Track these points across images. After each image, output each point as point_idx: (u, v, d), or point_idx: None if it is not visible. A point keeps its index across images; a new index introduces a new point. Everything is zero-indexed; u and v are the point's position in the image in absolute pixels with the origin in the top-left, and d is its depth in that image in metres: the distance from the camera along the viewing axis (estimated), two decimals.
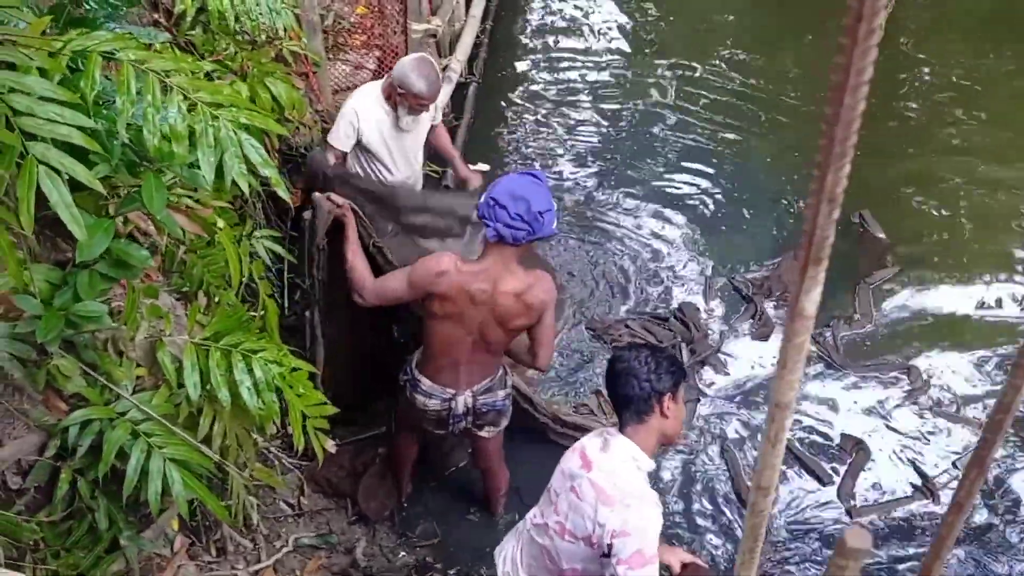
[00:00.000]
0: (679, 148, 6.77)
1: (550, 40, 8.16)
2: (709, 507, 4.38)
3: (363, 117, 4.17)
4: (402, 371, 3.59)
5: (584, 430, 3.60)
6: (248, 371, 2.48)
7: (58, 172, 1.86)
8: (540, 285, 3.27)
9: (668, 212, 6.16)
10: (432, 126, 4.61)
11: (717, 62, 7.74)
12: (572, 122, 7.07)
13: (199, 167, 1.96)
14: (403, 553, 3.95)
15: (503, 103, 7.28)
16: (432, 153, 4.99)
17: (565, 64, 7.80)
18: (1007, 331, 5.30)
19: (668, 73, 7.62)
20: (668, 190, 6.34)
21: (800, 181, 6.38)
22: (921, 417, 4.80)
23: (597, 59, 7.86)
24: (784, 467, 4.54)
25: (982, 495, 4.42)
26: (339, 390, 3.63)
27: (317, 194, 3.68)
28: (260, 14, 3.97)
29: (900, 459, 4.61)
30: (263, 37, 4.42)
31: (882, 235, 5.86)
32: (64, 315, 2.20)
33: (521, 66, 7.77)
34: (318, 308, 3.91)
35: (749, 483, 4.58)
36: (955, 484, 4.41)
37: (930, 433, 4.73)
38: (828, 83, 0.72)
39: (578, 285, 5.59)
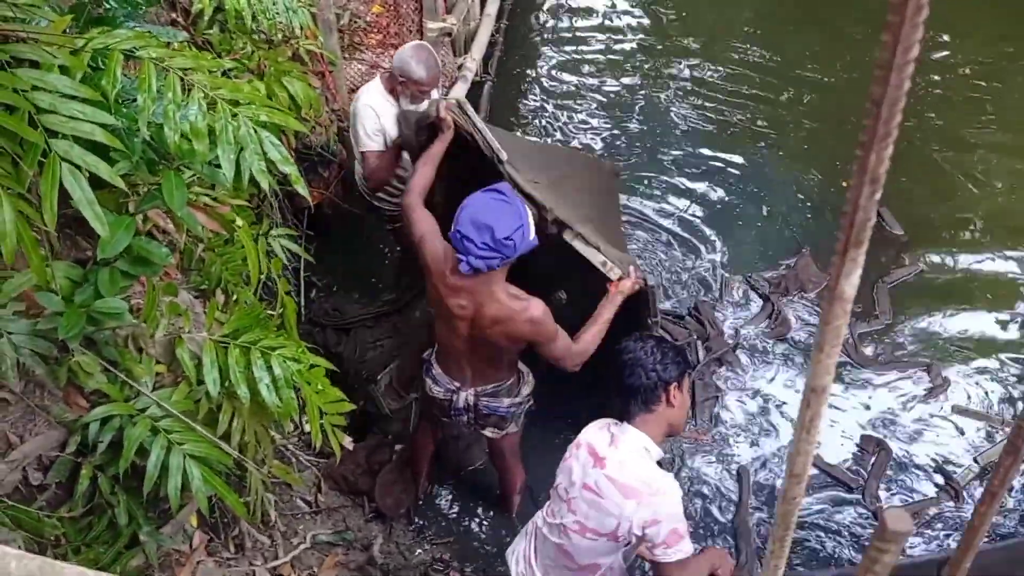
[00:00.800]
0: (695, 146, 6.74)
1: (566, 37, 8.15)
2: (726, 503, 4.37)
3: (381, 112, 4.13)
4: (429, 351, 3.61)
5: None
6: (267, 368, 2.49)
7: (80, 169, 1.88)
8: (522, 317, 3.15)
9: (684, 211, 6.14)
10: None
11: (735, 58, 7.70)
12: (587, 120, 7.06)
13: (219, 165, 1.97)
14: (419, 551, 3.95)
15: (518, 101, 7.27)
16: None
17: (580, 62, 7.78)
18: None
19: (685, 71, 7.59)
20: (684, 189, 6.32)
21: (817, 180, 6.35)
22: (942, 416, 4.77)
23: (613, 57, 7.84)
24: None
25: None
26: None
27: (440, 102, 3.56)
28: (277, 13, 3.98)
29: (922, 458, 4.58)
30: (280, 36, 4.44)
31: (900, 232, 5.82)
32: (85, 312, 2.22)
33: (536, 64, 7.76)
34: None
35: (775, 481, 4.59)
36: (977, 482, 4.42)
37: (951, 432, 4.70)
38: (873, 62, 0.72)
39: None
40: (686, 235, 5.93)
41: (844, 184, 6.06)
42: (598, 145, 6.78)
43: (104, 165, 1.84)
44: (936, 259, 5.73)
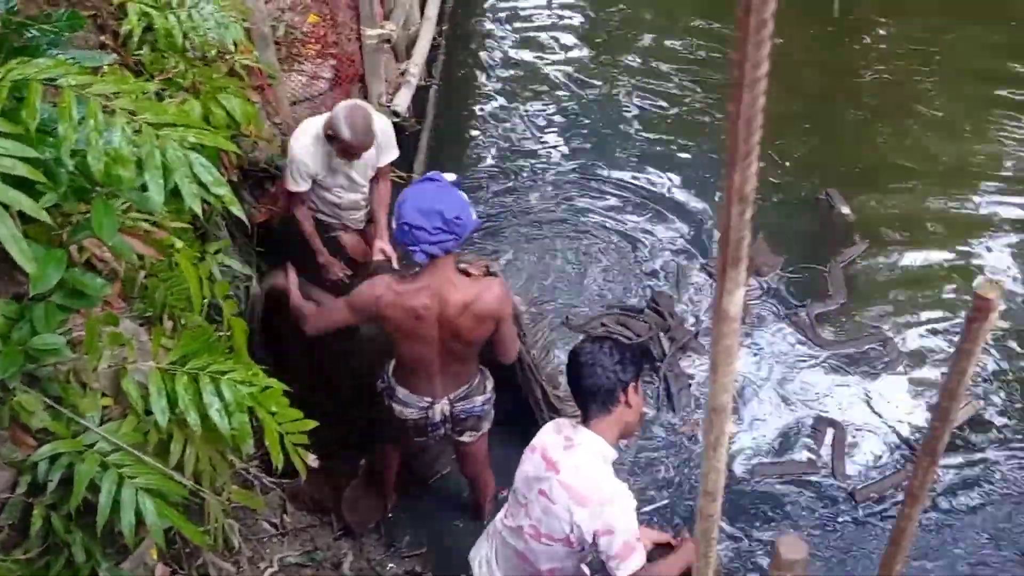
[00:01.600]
0: (644, 138, 6.76)
1: (510, 38, 8.13)
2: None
3: (304, 159, 4.11)
4: (379, 378, 3.57)
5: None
6: (216, 393, 2.43)
7: (5, 206, 1.82)
8: (488, 294, 3.24)
9: (637, 203, 6.15)
10: (379, 167, 4.41)
11: (681, 49, 7.71)
12: (536, 119, 7.04)
13: (149, 189, 1.92)
14: (391, 565, 3.92)
15: (466, 103, 7.23)
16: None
17: (526, 61, 7.76)
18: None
19: (632, 64, 7.59)
20: (636, 182, 6.33)
21: (768, 163, 6.39)
22: (900, 388, 4.83)
23: (559, 54, 7.83)
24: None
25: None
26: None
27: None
28: (208, 29, 3.90)
29: (885, 431, 4.64)
30: (214, 52, 4.35)
31: (848, 212, 5.89)
32: (23, 350, 2.15)
33: (482, 66, 7.73)
34: None
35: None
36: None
37: (911, 403, 4.76)
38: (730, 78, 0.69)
39: (553, 285, 5.57)
40: (641, 228, 5.95)
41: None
42: (549, 142, 6.76)
43: (26, 199, 1.79)
44: (886, 236, 5.80)
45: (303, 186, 4.18)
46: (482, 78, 7.56)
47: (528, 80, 7.48)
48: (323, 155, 4.11)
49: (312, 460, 2.98)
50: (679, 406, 4.76)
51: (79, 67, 2.15)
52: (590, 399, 2.65)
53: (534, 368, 3.96)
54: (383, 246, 4.22)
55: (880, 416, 4.70)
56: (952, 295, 5.40)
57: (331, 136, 3.99)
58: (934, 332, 5.16)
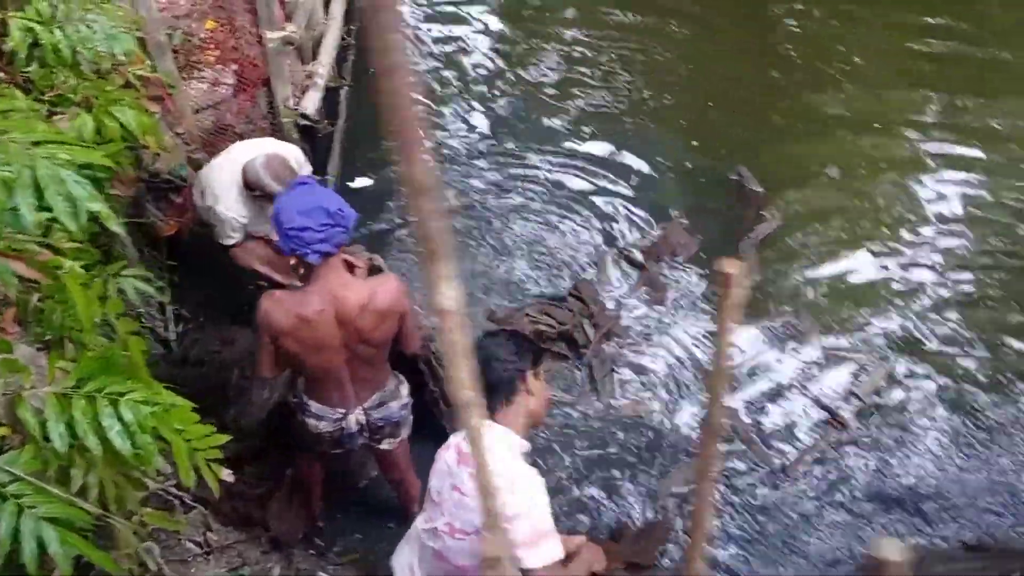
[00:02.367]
0: (562, 129, 6.77)
1: (423, 31, 8.06)
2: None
3: (234, 216, 4.13)
4: (290, 393, 3.52)
5: None
6: (116, 415, 2.37)
7: None
8: (385, 290, 3.25)
9: (557, 193, 6.16)
10: None
11: (602, 36, 7.73)
12: (453, 115, 7.00)
13: (20, 209, 1.85)
14: (323, 574, 3.86)
15: (379, 104, 7.12)
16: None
17: (441, 55, 7.71)
18: (888, 271, 5.48)
19: (551, 54, 7.60)
20: (553, 173, 6.34)
21: (680, 145, 6.48)
22: (816, 359, 4.95)
23: (474, 46, 7.79)
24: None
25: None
26: None
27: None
28: (97, 42, 3.79)
29: (804, 402, 4.75)
30: (108, 65, 4.23)
31: (760, 189, 6.00)
32: None
33: None
34: None
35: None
36: (862, 415, 4.61)
37: (826, 374, 4.89)
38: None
39: (475, 279, 5.56)
40: (559, 218, 5.97)
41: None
42: (465, 139, 6.74)
43: None
44: (798, 211, 5.93)
45: (238, 237, 4.21)
46: None
47: (443, 76, 7.43)
48: (251, 206, 4.14)
49: (227, 475, 2.92)
50: (604, 392, 4.80)
51: None
52: (491, 394, 2.66)
53: (436, 363, 4.01)
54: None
55: (800, 387, 4.81)
56: (866, 264, 5.53)
57: (256, 192, 3.99)
58: (845, 303, 5.28)
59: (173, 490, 3.48)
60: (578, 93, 7.07)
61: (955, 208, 5.92)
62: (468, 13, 8.10)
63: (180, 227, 4.77)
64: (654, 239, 5.76)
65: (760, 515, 4.28)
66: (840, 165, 6.26)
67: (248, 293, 4.86)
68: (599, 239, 5.80)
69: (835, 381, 4.85)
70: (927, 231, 5.76)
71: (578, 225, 5.90)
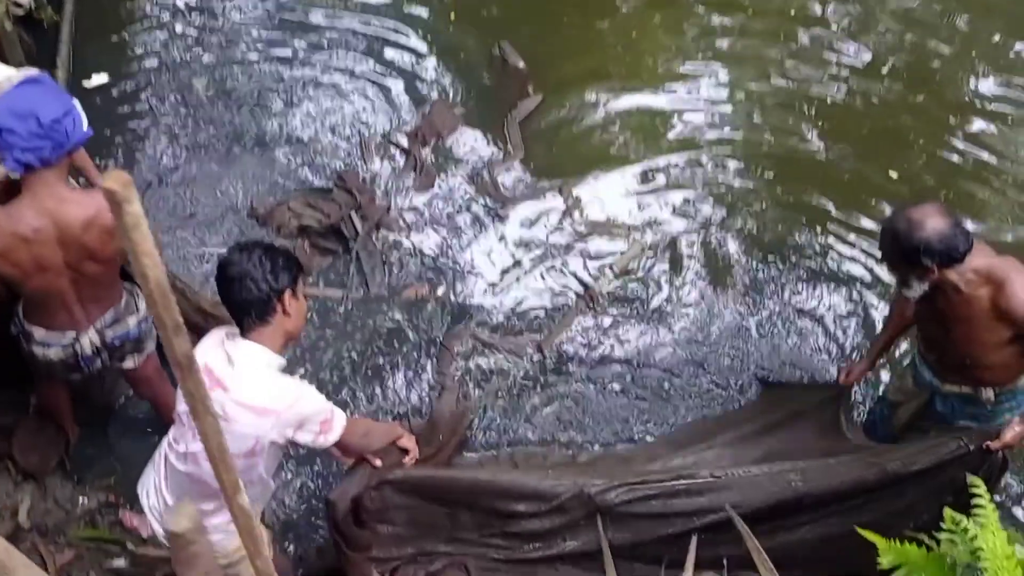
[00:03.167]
0: (321, 20, 6.31)
1: None
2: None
3: None
4: (11, 323, 3.23)
5: None
6: None
7: None
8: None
9: (314, 82, 5.85)
10: None
11: None
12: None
13: None
14: (82, 499, 3.71)
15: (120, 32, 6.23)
16: None
17: None
18: (651, 143, 5.61)
19: None
20: (312, 59, 6.00)
21: (431, 23, 6.28)
22: (576, 233, 5.09)
23: None
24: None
25: None
26: None
27: None
28: None
29: (565, 276, 4.90)
30: None
31: (522, 64, 5.96)
32: None
33: None
34: None
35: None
36: (614, 287, 4.83)
37: (587, 246, 5.04)
38: None
39: (233, 175, 5.28)
40: (318, 111, 5.70)
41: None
42: (219, 30, 6.20)
43: None
44: (560, 86, 5.92)
45: None
46: None
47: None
48: None
49: None
50: (373, 284, 4.76)
51: None
52: (244, 313, 2.56)
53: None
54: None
55: (555, 260, 4.95)
56: (628, 137, 5.62)
57: None
58: (608, 177, 5.38)
59: None
60: None
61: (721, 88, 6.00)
62: None
63: None
64: (418, 122, 5.65)
65: (526, 397, 4.44)
66: (605, 39, 6.25)
67: None
68: (361, 126, 5.62)
69: (593, 254, 5.00)
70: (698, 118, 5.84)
71: (339, 113, 5.68)
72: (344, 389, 4.39)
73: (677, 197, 5.32)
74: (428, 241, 5.06)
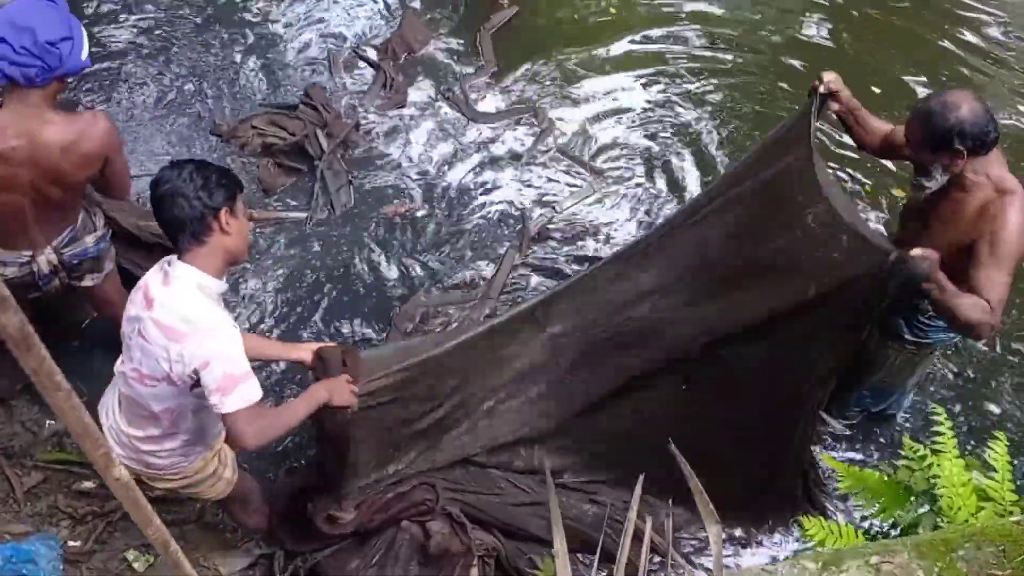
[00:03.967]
0: None
1: None
2: None
3: None
4: None
5: None
6: None
7: None
8: (93, 130, 2.95)
9: (275, 5, 5.65)
10: None
11: None
12: None
13: None
14: (49, 422, 3.71)
15: None
16: None
17: None
18: (633, 60, 5.51)
19: None
20: None
21: None
22: (549, 157, 5.00)
23: None
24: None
25: None
26: None
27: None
28: None
29: (525, 203, 4.81)
30: None
31: None
32: None
33: None
34: None
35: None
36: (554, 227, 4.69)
37: (552, 173, 4.93)
38: None
39: (195, 91, 5.14)
40: (285, 16, 5.54)
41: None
42: None
43: None
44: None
45: None
46: None
47: None
48: None
49: None
50: (338, 204, 4.68)
51: None
52: (179, 232, 2.48)
53: None
54: None
55: (527, 183, 4.88)
56: (602, 53, 5.52)
57: None
58: (584, 102, 5.27)
59: None
60: None
61: None
62: None
63: None
64: (388, 35, 5.50)
65: None
66: None
67: None
68: (330, 40, 5.47)
69: (562, 184, 4.89)
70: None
71: (306, 25, 5.52)
72: (302, 315, 4.30)
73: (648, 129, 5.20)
74: (396, 159, 4.97)
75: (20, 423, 3.70)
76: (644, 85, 5.35)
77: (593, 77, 5.41)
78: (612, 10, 5.78)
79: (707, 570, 3.43)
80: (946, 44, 5.66)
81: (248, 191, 4.68)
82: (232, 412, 2.45)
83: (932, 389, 4.08)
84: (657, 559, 3.25)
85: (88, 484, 3.57)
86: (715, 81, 5.40)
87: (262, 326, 4.20)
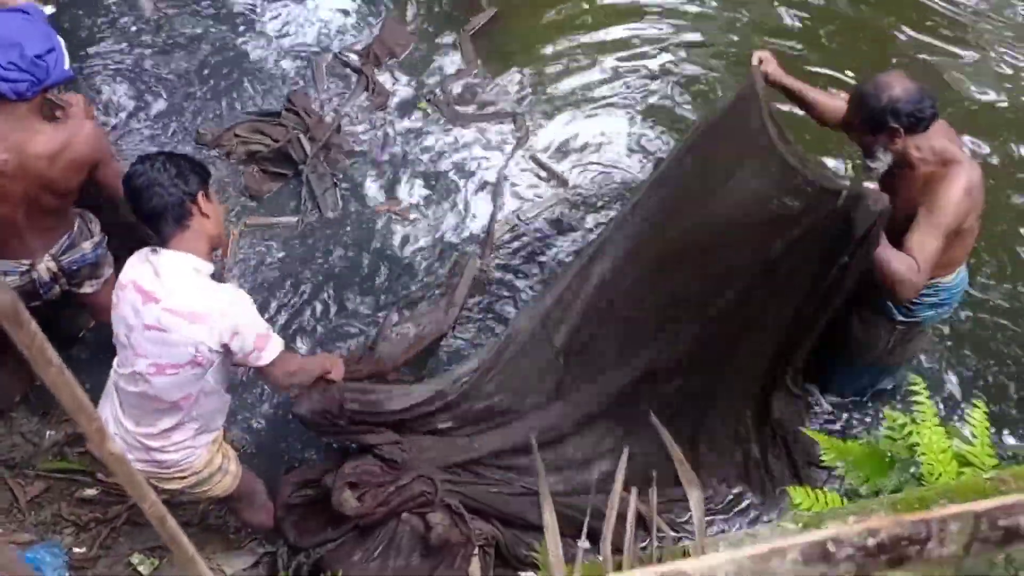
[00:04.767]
0: None
1: None
2: None
3: None
4: None
5: None
6: None
7: None
8: (81, 138, 3.02)
9: (256, 12, 5.67)
10: None
11: None
12: None
13: None
14: (49, 432, 3.76)
15: None
16: None
17: None
18: (608, 66, 5.50)
19: None
20: None
21: None
22: (524, 166, 5.00)
23: None
24: None
25: None
26: None
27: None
28: None
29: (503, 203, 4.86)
30: None
31: None
32: None
33: None
34: None
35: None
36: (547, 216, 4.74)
37: (527, 182, 4.96)
38: None
39: (179, 104, 5.18)
40: (263, 23, 5.57)
41: None
42: None
43: None
44: (518, 3, 5.80)
45: None
46: None
47: None
48: None
49: None
50: (325, 206, 4.74)
51: None
52: (161, 221, 2.61)
53: None
54: None
55: (503, 193, 4.89)
56: (582, 56, 5.53)
57: None
58: (564, 111, 5.28)
59: None
60: None
61: None
62: None
63: None
64: (370, 40, 5.55)
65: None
66: None
67: None
68: (312, 46, 5.51)
69: (539, 192, 4.91)
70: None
71: (287, 31, 5.56)
72: (300, 315, 4.38)
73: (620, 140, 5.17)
74: (378, 161, 5.02)
75: (20, 434, 3.75)
76: (626, 89, 5.38)
77: (573, 78, 5.44)
78: (593, 13, 5.81)
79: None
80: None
81: (236, 199, 4.77)
82: (270, 363, 2.73)
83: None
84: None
85: (91, 491, 3.64)
86: (697, 87, 5.43)
87: None
